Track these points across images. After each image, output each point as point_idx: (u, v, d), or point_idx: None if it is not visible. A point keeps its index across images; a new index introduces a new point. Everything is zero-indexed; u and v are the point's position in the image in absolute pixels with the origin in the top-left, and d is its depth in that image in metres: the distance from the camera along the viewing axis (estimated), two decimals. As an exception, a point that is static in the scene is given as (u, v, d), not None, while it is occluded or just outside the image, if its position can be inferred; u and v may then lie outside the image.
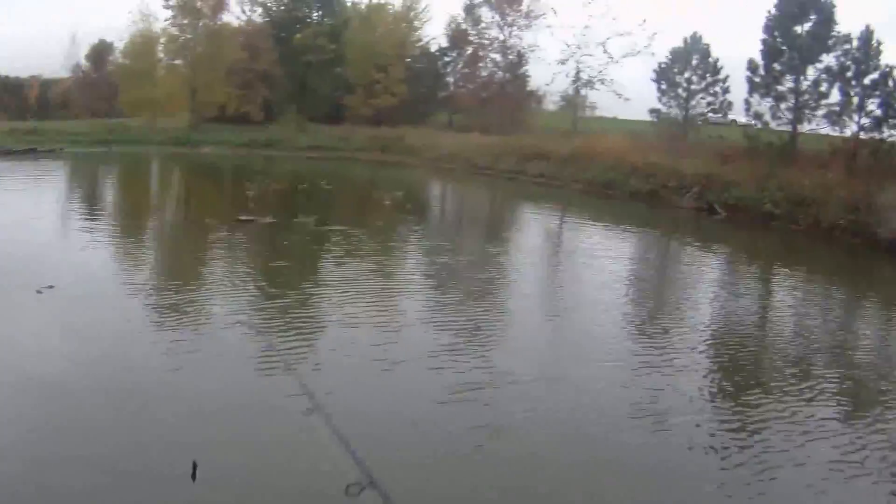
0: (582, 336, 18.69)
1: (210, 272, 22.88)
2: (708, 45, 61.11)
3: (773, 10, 51.29)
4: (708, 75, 60.71)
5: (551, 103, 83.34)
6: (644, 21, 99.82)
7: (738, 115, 55.92)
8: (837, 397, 15.34)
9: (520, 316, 20.33)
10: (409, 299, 20.85)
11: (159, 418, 11.81)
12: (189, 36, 75.83)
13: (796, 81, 51.04)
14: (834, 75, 49.46)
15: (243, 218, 29.87)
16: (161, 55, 79.55)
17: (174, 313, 17.46)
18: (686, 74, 61.33)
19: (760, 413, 13.99)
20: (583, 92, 78.02)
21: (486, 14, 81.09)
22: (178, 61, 78.64)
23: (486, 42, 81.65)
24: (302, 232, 29.28)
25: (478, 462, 11.31)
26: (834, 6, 49.66)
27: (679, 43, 62.04)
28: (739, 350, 18.48)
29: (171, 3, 74.96)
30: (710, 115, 58.90)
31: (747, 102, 52.83)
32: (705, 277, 28.40)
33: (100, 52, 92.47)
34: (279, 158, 63.67)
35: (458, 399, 13.41)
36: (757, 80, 52.11)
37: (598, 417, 13.13)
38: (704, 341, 18.81)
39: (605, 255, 29.90)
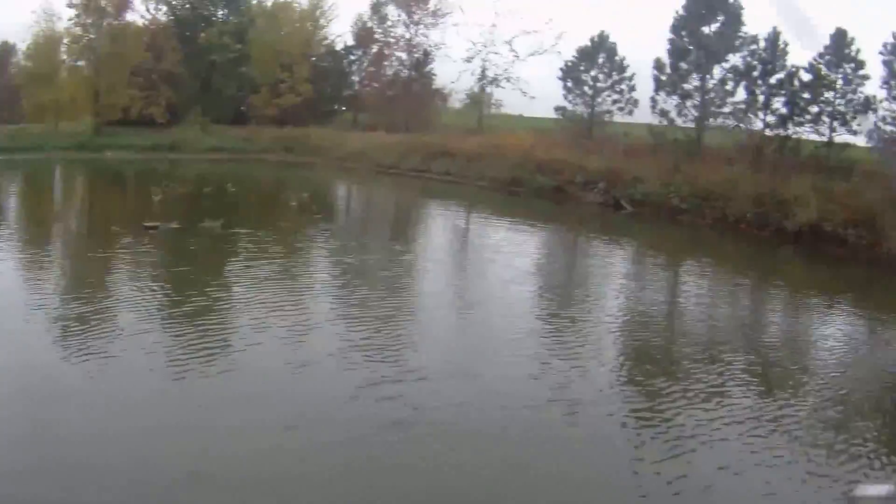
0: (491, 330, 18.46)
1: (117, 281, 22.09)
2: (615, 44, 61.40)
3: (681, 11, 51.60)
4: (614, 73, 60.90)
5: (457, 101, 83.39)
6: (551, 20, 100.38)
7: (645, 113, 56.16)
8: (746, 380, 15.43)
9: (429, 312, 20.16)
10: (317, 299, 20.58)
11: (69, 431, 11.38)
12: (92, 36, 74.09)
13: (702, 80, 51.38)
14: (740, 74, 49.90)
15: (149, 224, 29.05)
16: (64, 56, 77.89)
17: (81, 324, 16.74)
18: (592, 73, 61.47)
19: (670, 398, 14.00)
20: (488, 90, 78.20)
21: (392, 12, 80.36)
22: (81, 62, 76.80)
23: (392, 40, 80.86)
24: (208, 236, 28.49)
25: (391, 461, 11.10)
26: (742, 8, 50.15)
27: (586, 42, 62.36)
28: (646, 339, 18.63)
29: (74, 1, 73.35)
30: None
31: (653, 100, 53.13)
32: (612, 271, 28.45)
33: (2, 55, 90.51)
34: (184, 161, 62.36)
35: (371, 397, 13.20)
36: (663, 78, 52.38)
37: (511, 409, 12.99)
38: (611, 331, 18.84)
39: (512, 250, 29.72)
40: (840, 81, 45.76)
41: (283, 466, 10.63)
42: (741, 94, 50.10)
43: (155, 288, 20.63)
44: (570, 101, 61.67)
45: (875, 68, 43.97)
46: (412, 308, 20.84)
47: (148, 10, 79.63)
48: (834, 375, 16.52)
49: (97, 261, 24.73)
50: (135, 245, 26.43)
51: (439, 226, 39.39)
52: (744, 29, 49.72)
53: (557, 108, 62.06)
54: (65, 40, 75.39)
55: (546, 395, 13.70)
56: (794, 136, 47.32)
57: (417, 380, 14.16)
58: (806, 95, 47.00)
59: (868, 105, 44.48)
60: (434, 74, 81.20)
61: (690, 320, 21.23)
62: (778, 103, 48.54)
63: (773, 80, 48.84)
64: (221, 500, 9.88)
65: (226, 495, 9.96)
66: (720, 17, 50.11)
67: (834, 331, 21.07)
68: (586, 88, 60.94)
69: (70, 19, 73.33)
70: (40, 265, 23.95)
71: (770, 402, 14.14)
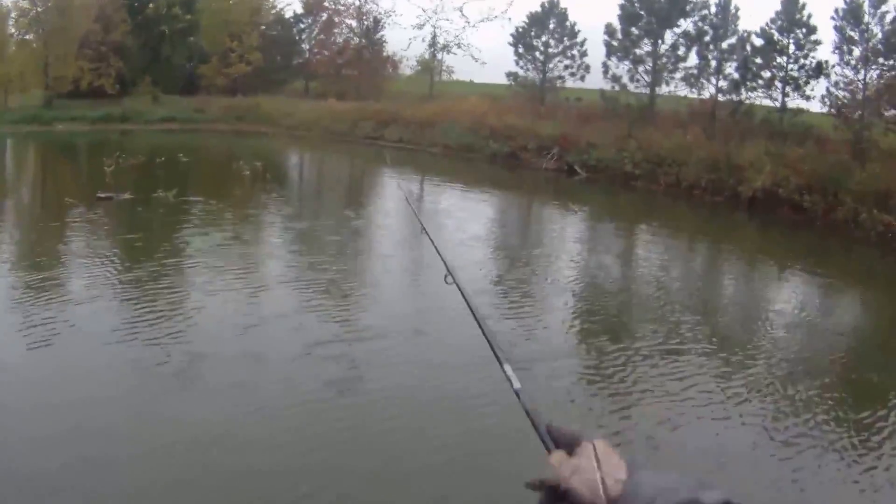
0: (439, 291, 18.24)
1: (69, 250, 21.76)
2: (565, 9, 61.19)
3: (632, -24, 51.40)
4: (566, 39, 60.73)
5: (408, 68, 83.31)
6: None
7: (597, 79, 55.99)
8: (692, 340, 15.45)
9: (378, 275, 20.21)
10: (269, 264, 20.62)
11: (8, 401, 11.08)
12: (40, 9, 73.28)
13: (654, 45, 51.25)
14: (692, 39, 49.78)
15: (102, 195, 28.81)
16: (13, 31, 76.97)
17: (31, 291, 16.51)
18: (543, 38, 61.29)
19: (616, 356, 14.06)
20: (439, 56, 78.18)
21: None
22: (29, 36, 76.08)
23: (342, 8, 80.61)
24: (161, 206, 28.09)
25: (332, 422, 10.91)
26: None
27: (536, 8, 62.18)
28: (595, 300, 18.70)
29: (21, -26, 72.47)
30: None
31: (605, 66, 52.91)
32: (564, 235, 28.44)
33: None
34: (136, 132, 61.69)
35: (319, 356, 13.15)
36: (615, 43, 52.17)
37: (456, 368, 12.88)
38: (560, 293, 18.79)
39: (464, 215, 29.53)
40: (792, 46, 45.70)
41: (231, 428, 10.43)
42: (693, 59, 50.05)
43: (106, 256, 20.40)
44: (521, 67, 61.53)
45: (827, 33, 43.98)
46: (363, 270, 20.91)
47: (96, -19, 78.52)
48: (782, 336, 16.57)
49: (50, 230, 24.46)
50: (88, 215, 26.13)
51: (392, 192, 39.23)
52: (694, -6, 49.58)
53: (509, 74, 61.86)
54: (12, 14, 74.49)
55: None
56: (747, 102, 47.23)
57: (364, 339, 14.18)
58: (758, 60, 46.91)
59: (820, 70, 44.42)
60: (385, 42, 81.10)
61: (640, 283, 21.15)
62: (730, 68, 48.48)
63: (724, 45, 48.77)
64: (167, 466, 9.50)
65: (173, 460, 9.64)
66: (671, -17, 49.96)
67: (785, 294, 21.18)
68: (537, 54, 60.73)
69: (17, -8, 72.45)
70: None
71: (715, 361, 14.21)
